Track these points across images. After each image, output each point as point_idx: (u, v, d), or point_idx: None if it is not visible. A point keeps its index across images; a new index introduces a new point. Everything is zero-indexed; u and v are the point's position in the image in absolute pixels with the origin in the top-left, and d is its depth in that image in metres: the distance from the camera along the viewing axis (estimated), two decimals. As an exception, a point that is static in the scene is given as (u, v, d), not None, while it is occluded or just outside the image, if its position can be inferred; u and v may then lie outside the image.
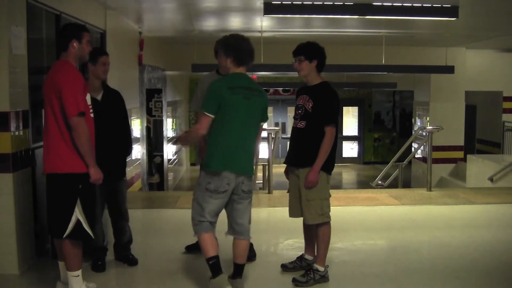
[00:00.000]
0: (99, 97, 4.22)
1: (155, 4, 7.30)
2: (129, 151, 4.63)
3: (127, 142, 4.56)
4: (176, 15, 8.33)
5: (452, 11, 6.30)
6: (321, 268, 4.09)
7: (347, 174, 18.44)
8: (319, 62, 4.06)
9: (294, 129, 4.15)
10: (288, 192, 4.29)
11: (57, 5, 5.10)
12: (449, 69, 10.43)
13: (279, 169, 5.56)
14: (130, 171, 7.95)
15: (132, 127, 8.09)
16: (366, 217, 6.42)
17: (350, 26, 9.21)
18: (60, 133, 3.51)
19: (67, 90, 3.45)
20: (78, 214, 3.55)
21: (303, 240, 4.41)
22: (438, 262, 4.70)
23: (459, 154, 13.12)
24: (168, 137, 12.68)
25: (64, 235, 3.54)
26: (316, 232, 4.13)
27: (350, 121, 20.61)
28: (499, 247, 5.18)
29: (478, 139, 15.09)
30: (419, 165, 13.33)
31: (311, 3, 6.13)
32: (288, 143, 4.28)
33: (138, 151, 8.86)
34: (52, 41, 5.08)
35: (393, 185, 9.56)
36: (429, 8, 6.35)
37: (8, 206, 4.09)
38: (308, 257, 4.34)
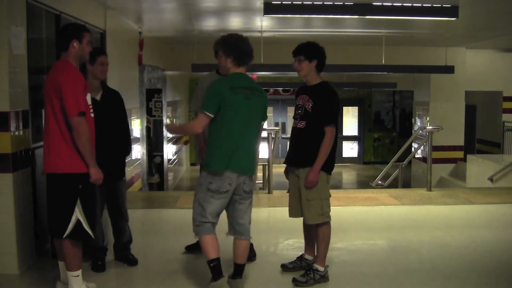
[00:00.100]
0: (98, 97, 4.22)
1: (155, 4, 7.29)
2: (128, 151, 4.62)
3: (127, 142, 4.56)
4: (176, 15, 8.33)
5: (452, 11, 6.30)
6: (321, 268, 4.09)
7: (347, 174, 18.43)
8: (319, 62, 4.06)
9: (294, 129, 4.15)
10: (288, 192, 4.29)
11: (57, 5, 5.10)
12: (449, 69, 10.43)
13: (279, 169, 5.56)
14: (130, 171, 7.95)
15: (132, 127, 8.10)
16: (366, 217, 6.42)
17: (350, 26, 9.21)
18: (60, 133, 3.51)
19: (67, 90, 3.45)
20: (78, 214, 3.55)
21: (303, 240, 4.41)
22: (438, 262, 4.70)
23: (459, 154, 13.12)
24: (168, 137, 12.68)
25: (64, 235, 3.54)
26: (316, 232, 4.13)
27: (350, 121, 20.60)
28: (499, 247, 5.18)
29: (478, 139, 15.09)
30: (419, 165, 13.33)
31: (311, 3, 6.13)
32: (288, 143, 4.28)
33: (138, 151, 8.86)
34: (52, 41, 5.08)
35: (393, 185, 9.57)
36: (429, 8, 6.35)
37: (8, 206, 4.09)
38: (308, 257, 4.34)
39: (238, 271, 3.81)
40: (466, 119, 13.21)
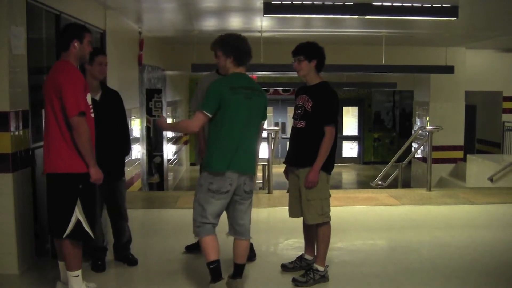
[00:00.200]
0: (97, 97, 4.21)
1: (155, 4, 7.29)
2: (128, 151, 4.62)
3: (126, 142, 4.55)
4: (176, 15, 8.33)
5: (452, 11, 6.30)
6: (321, 268, 4.09)
7: (347, 174, 18.43)
8: (319, 62, 4.06)
9: (294, 129, 4.15)
10: (288, 192, 4.29)
11: (57, 5, 5.09)
12: (449, 69, 10.43)
13: (279, 169, 5.56)
14: (130, 171, 7.95)
15: (132, 127, 8.09)
16: (366, 217, 6.42)
17: (350, 26, 9.21)
18: (60, 133, 3.51)
19: (67, 90, 3.45)
20: (78, 214, 3.55)
21: (303, 240, 4.40)
22: (438, 262, 4.70)
23: (459, 154, 13.12)
24: (168, 137, 12.67)
25: (64, 235, 3.54)
26: (316, 232, 4.13)
27: (350, 121, 20.60)
28: (499, 247, 5.18)
29: (478, 139, 15.09)
30: (419, 165, 13.33)
31: (311, 3, 6.13)
32: (288, 143, 4.28)
33: (138, 151, 8.86)
34: (52, 41, 5.08)
35: (393, 185, 9.56)
36: (429, 8, 6.35)
37: (8, 206, 4.09)
38: (308, 257, 4.34)
39: (238, 271, 3.80)
40: (466, 119, 13.21)
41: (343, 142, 20.16)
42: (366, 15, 6.62)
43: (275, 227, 5.92)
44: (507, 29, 9.47)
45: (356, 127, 20.57)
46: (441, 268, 4.53)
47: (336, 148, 4.09)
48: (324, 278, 4.10)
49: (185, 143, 17.07)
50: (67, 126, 3.49)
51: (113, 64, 6.85)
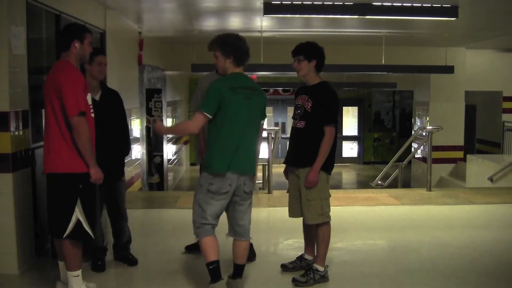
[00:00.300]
0: (97, 97, 4.21)
1: (155, 4, 7.29)
2: (127, 151, 4.62)
3: (126, 142, 4.55)
4: (176, 15, 8.33)
5: (452, 11, 6.31)
6: (321, 268, 4.09)
7: (347, 174, 18.43)
8: (318, 62, 4.06)
9: (294, 129, 4.15)
10: (287, 192, 4.29)
11: (57, 5, 5.09)
12: (449, 69, 10.43)
13: (279, 169, 5.56)
14: (130, 171, 7.95)
15: (132, 127, 8.09)
16: (366, 217, 6.42)
17: (350, 26, 9.21)
18: (60, 133, 3.51)
19: (68, 90, 3.45)
20: (78, 214, 3.55)
21: (303, 240, 4.41)
22: (438, 262, 4.70)
23: (459, 154, 13.12)
24: (168, 137, 12.66)
25: (64, 235, 3.54)
26: (316, 232, 4.13)
27: (350, 121, 20.61)
28: (499, 247, 5.18)
29: (478, 139, 15.09)
30: (419, 165, 13.33)
31: (311, 3, 6.13)
32: (288, 143, 4.28)
33: (138, 151, 8.86)
34: (52, 41, 5.08)
35: (393, 185, 9.56)
36: (429, 8, 6.35)
37: (8, 206, 4.09)
38: (308, 257, 4.34)
39: (238, 271, 3.80)
40: (466, 119, 13.21)
41: (343, 142, 20.16)
42: (366, 15, 6.63)
43: (275, 227, 5.92)
44: (507, 29, 9.47)
45: (356, 127, 20.57)
46: (441, 268, 4.53)
47: (336, 148, 4.09)
48: (324, 278, 4.10)
49: (185, 143, 17.07)
50: (67, 126, 3.49)
51: (113, 64, 6.85)
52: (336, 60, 8.71)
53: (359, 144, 20.53)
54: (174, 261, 4.63)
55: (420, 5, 6.32)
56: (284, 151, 4.81)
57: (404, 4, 6.35)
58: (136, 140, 8.70)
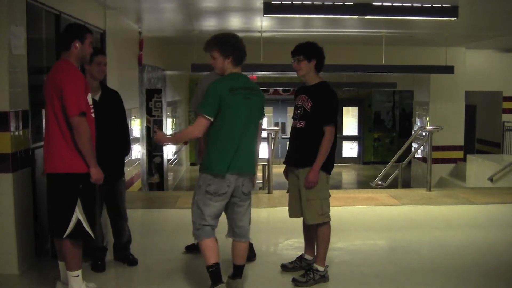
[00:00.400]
0: (97, 97, 4.21)
1: (155, 4, 7.29)
2: (127, 151, 4.61)
3: (126, 142, 4.55)
4: (176, 15, 8.33)
5: (452, 11, 6.30)
6: (321, 268, 4.09)
7: (347, 174, 18.44)
8: (318, 62, 4.06)
9: (294, 129, 4.15)
10: (287, 192, 4.29)
11: (57, 5, 5.10)
12: (449, 69, 10.43)
13: (279, 169, 5.56)
14: (130, 171, 7.95)
15: (132, 127, 8.09)
16: (366, 217, 6.42)
17: (350, 26, 9.21)
18: (61, 133, 3.51)
19: (68, 90, 3.45)
20: (78, 214, 3.55)
21: (303, 240, 4.41)
22: (438, 262, 4.70)
23: (459, 154, 13.12)
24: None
25: (65, 235, 3.54)
26: (316, 232, 4.13)
27: (350, 121, 20.62)
28: (499, 247, 5.18)
29: (478, 139, 15.09)
30: (419, 165, 13.33)
31: (311, 3, 6.13)
32: (288, 143, 4.28)
33: (138, 151, 8.86)
34: (52, 41, 5.08)
35: (393, 185, 9.57)
36: (429, 8, 6.35)
37: (8, 206, 4.09)
38: (308, 257, 4.34)
39: (238, 271, 3.80)
40: (466, 119, 13.21)
41: (343, 142, 20.17)
42: (366, 15, 6.62)
43: (275, 227, 5.92)
44: (507, 29, 9.47)
45: (356, 127, 20.58)
46: (441, 268, 4.53)
47: (335, 148, 4.09)
48: (324, 278, 4.10)
49: (185, 143, 17.06)
50: (68, 126, 3.49)
51: (113, 64, 6.85)
52: (336, 60, 8.72)
53: (359, 144, 20.54)
54: (174, 261, 4.63)
55: (420, 5, 6.32)
56: (284, 151, 4.81)
57: (404, 4, 6.34)
58: (136, 140, 8.70)
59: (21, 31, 4.26)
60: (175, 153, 14.48)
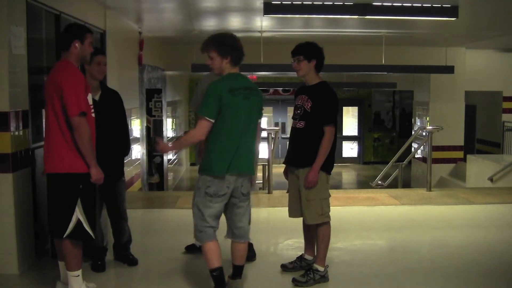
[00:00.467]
0: (97, 97, 4.21)
1: (155, 4, 7.29)
2: (127, 151, 4.61)
3: (126, 142, 4.55)
4: (176, 15, 8.33)
5: (452, 11, 6.30)
6: (321, 268, 4.09)
7: (347, 174, 18.44)
8: (318, 62, 4.05)
9: (293, 129, 4.15)
10: (287, 192, 4.29)
11: (57, 5, 5.09)
12: (449, 69, 10.43)
13: (279, 169, 5.56)
14: (130, 171, 7.95)
15: (132, 127, 8.09)
16: (366, 217, 6.41)
17: (350, 26, 9.21)
18: (61, 133, 3.51)
19: (68, 90, 3.45)
20: (78, 214, 3.55)
21: (303, 240, 4.41)
22: (438, 262, 4.70)
23: (459, 154, 13.12)
24: (168, 137, 12.67)
25: (65, 235, 3.55)
26: (316, 232, 4.13)
27: (350, 121, 20.61)
28: (499, 247, 5.18)
29: (478, 139, 15.09)
30: (419, 165, 13.33)
31: (311, 3, 6.13)
32: (288, 143, 4.28)
33: (138, 151, 8.86)
34: (52, 41, 5.08)
35: (393, 185, 9.57)
36: (429, 8, 6.35)
37: (8, 206, 4.09)
38: (308, 257, 4.34)
39: (238, 271, 3.79)
40: (466, 119, 13.21)
41: (343, 142, 20.17)
42: (366, 15, 6.62)
43: (275, 227, 5.92)
44: (507, 29, 9.47)
45: (356, 127, 20.58)
46: (441, 268, 4.53)
47: (335, 148, 4.09)
48: (324, 278, 4.10)
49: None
50: (68, 126, 3.50)
51: (113, 64, 6.85)
52: (336, 60, 8.72)
53: (359, 144, 20.54)
54: (174, 261, 4.63)
55: (420, 5, 6.32)
56: (284, 151, 4.81)
57: (404, 4, 6.34)
58: (136, 140, 8.70)
59: (21, 31, 4.26)
60: (175, 153, 14.48)
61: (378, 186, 9.55)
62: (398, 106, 20.23)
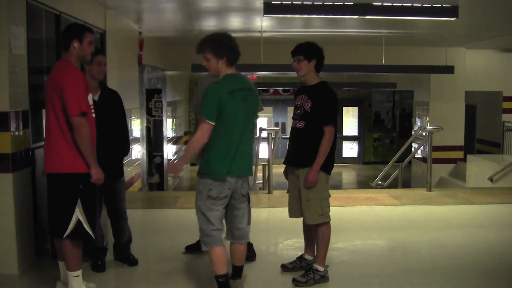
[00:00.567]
0: (96, 97, 4.20)
1: (155, 4, 7.29)
2: (127, 151, 4.61)
3: (125, 142, 4.55)
4: (176, 15, 8.33)
5: (452, 11, 6.30)
6: (321, 268, 4.09)
7: (347, 174, 18.43)
8: (318, 62, 4.05)
9: (293, 129, 4.15)
10: (287, 192, 4.29)
11: (57, 5, 5.09)
12: (449, 69, 10.42)
13: (279, 169, 5.56)
14: (130, 171, 7.95)
15: (132, 127, 8.09)
16: (366, 217, 6.41)
17: (350, 26, 9.21)
18: (61, 133, 3.51)
19: (68, 90, 3.45)
20: (78, 214, 3.55)
21: (303, 240, 4.41)
22: (438, 262, 4.70)
23: (459, 154, 13.12)
24: (168, 137, 12.67)
25: (65, 235, 3.55)
26: (316, 232, 4.13)
27: (350, 121, 20.61)
28: (499, 247, 5.18)
29: (478, 139, 15.09)
30: (419, 165, 13.33)
31: (311, 3, 6.13)
32: (288, 143, 4.28)
33: (138, 151, 8.86)
34: (52, 41, 5.08)
35: (393, 185, 9.57)
36: (429, 8, 6.35)
37: (8, 206, 4.09)
38: (308, 257, 4.34)
39: (237, 272, 3.79)
40: (466, 119, 13.21)
41: (343, 142, 20.16)
42: (366, 15, 6.62)
43: (275, 227, 5.92)
44: (507, 29, 9.47)
45: (356, 127, 20.58)
46: (441, 268, 4.53)
47: (335, 148, 4.09)
48: (324, 278, 4.10)
49: (185, 143, 17.07)
50: (68, 126, 3.50)
51: (113, 64, 6.85)
52: (336, 60, 8.71)
53: (359, 144, 20.53)
54: (174, 261, 4.63)
55: (420, 5, 6.32)
56: (284, 151, 4.80)
57: (404, 4, 6.34)
58: (136, 140, 8.70)
59: (21, 31, 4.26)
60: (175, 153, 14.48)
61: (378, 186, 9.55)
62: (398, 106, 20.22)
